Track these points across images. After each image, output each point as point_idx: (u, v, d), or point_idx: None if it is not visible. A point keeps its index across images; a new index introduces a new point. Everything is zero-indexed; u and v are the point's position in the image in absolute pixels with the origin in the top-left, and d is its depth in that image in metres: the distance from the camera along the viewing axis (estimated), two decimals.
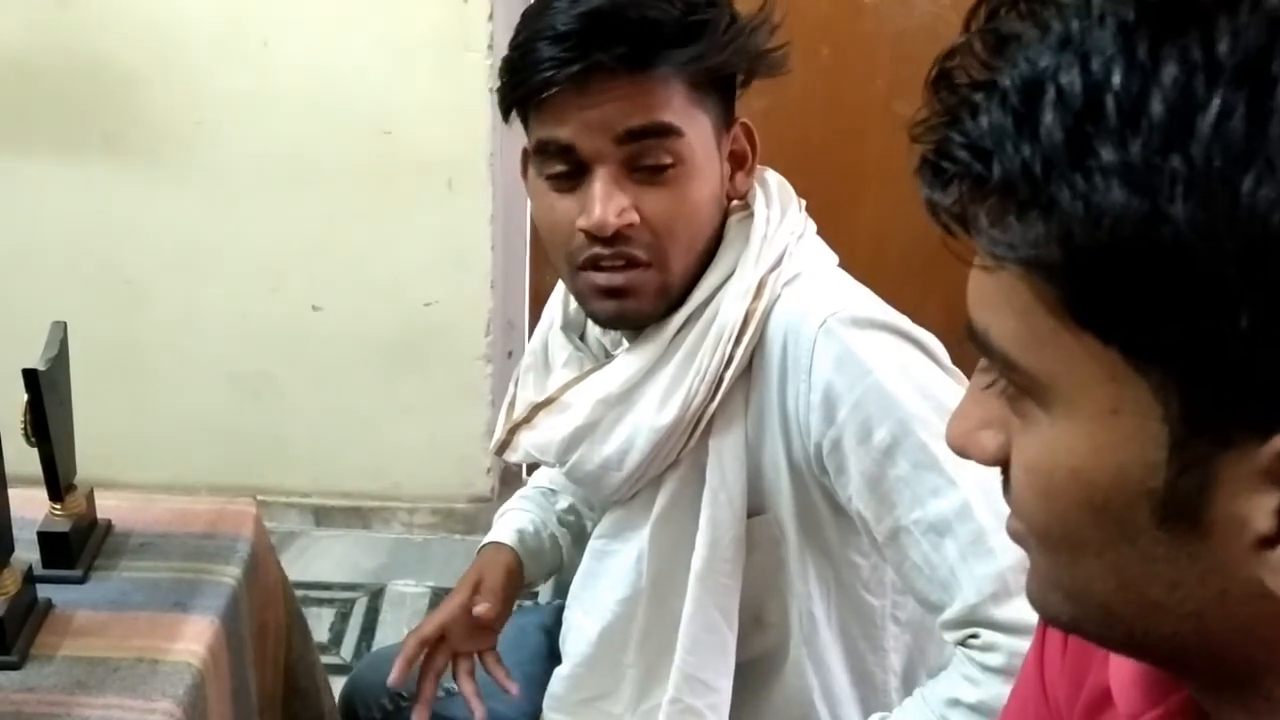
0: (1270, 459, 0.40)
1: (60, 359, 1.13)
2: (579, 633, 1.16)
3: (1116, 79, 0.41)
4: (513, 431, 1.13)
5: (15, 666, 1.04)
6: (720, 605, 1.06)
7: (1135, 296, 0.41)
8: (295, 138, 2.15)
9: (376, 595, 2.29)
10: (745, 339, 1.00)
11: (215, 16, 2.08)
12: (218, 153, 2.17)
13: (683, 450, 1.05)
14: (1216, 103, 0.39)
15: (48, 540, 1.16)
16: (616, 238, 0.98)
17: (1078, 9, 0.43)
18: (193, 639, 1.08)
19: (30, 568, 1.10)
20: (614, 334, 1.11)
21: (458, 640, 1.20)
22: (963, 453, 0.52)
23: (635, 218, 0.98)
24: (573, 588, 1.18)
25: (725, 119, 1.03)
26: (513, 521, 1.28)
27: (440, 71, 2.10)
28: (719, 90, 1.01)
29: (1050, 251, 0.42)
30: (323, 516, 2.46)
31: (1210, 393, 0.41)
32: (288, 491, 2.43)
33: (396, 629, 2.19)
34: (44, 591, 1.12)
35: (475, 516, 2.40)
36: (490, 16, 2.06)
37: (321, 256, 2.25)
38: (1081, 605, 0.49)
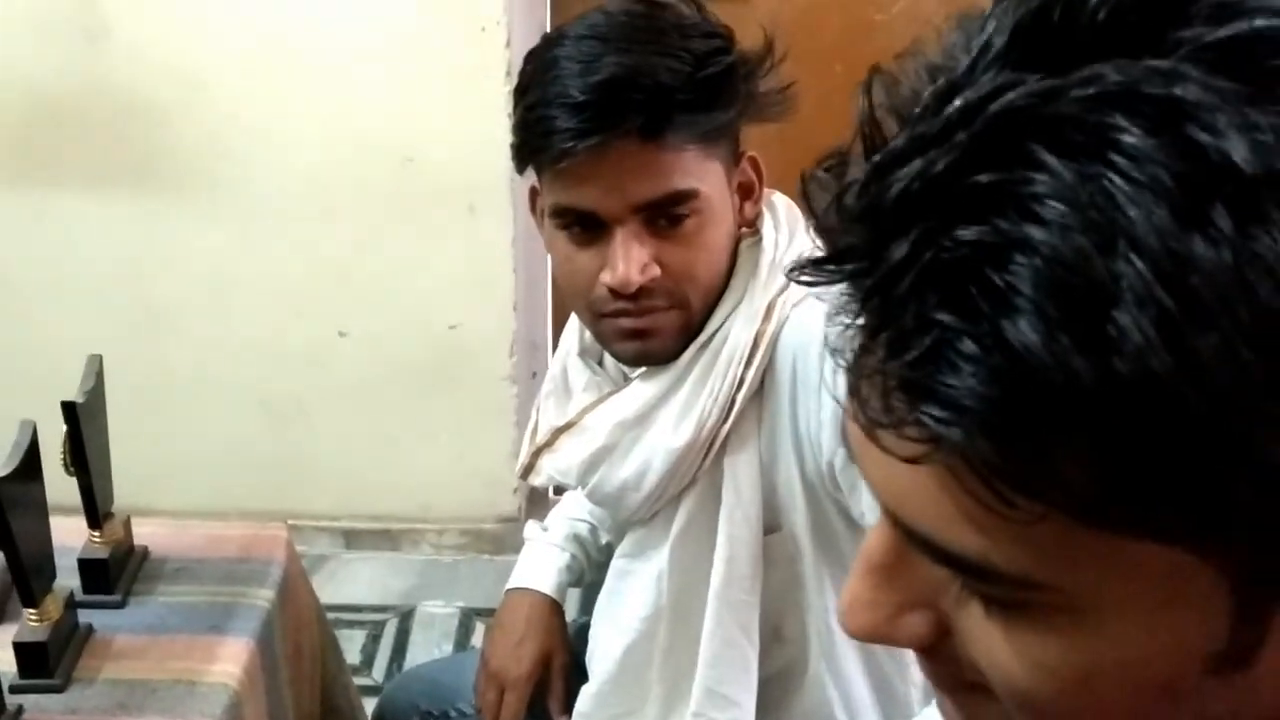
0: None
1: (96, 391, 1.17)
2: (604, 651, 1.18)
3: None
4: (536, 455, 1.16)
5: (58, 689, 1.08)
6: (740, 621, 1.08)
7: (1219, 493, 0.34)
8: (319, 168, 2.19)
9: (407, 616, 2.32)
10: (755, 361, 1.02)
11: (239, 51, 2.12)
12: (244, 185, 2.21)
13: (699, 470, 1.07)
14: None
15: (88, 567, 1.20)
16: (640, 292, 1.00)
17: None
18: (229, 660, 1.11)
19: (71, 594, 1.14)
20: None
21: None
22: (881, 642, 0.44)
23: (658, 271, 1.00)
24: (597, 606, 1.21)
25: (734, 155, 1.05)
26: (565, 575, 1.31)
27: (459, 99, 2.13)
28: (727, 134, 1.03)
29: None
30: (352, 539, 2.49)
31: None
32: (317, 515, 2.46)
33: (427, 650, 2.22)
34: (84, 616, 1.15)
35: (503, 537, 2.43)
36: (508, 44, 2.09)
37: (347, 283, 2.28)
38: None
